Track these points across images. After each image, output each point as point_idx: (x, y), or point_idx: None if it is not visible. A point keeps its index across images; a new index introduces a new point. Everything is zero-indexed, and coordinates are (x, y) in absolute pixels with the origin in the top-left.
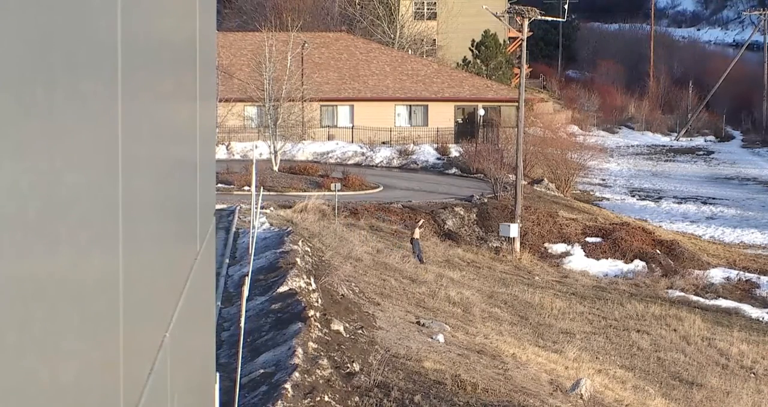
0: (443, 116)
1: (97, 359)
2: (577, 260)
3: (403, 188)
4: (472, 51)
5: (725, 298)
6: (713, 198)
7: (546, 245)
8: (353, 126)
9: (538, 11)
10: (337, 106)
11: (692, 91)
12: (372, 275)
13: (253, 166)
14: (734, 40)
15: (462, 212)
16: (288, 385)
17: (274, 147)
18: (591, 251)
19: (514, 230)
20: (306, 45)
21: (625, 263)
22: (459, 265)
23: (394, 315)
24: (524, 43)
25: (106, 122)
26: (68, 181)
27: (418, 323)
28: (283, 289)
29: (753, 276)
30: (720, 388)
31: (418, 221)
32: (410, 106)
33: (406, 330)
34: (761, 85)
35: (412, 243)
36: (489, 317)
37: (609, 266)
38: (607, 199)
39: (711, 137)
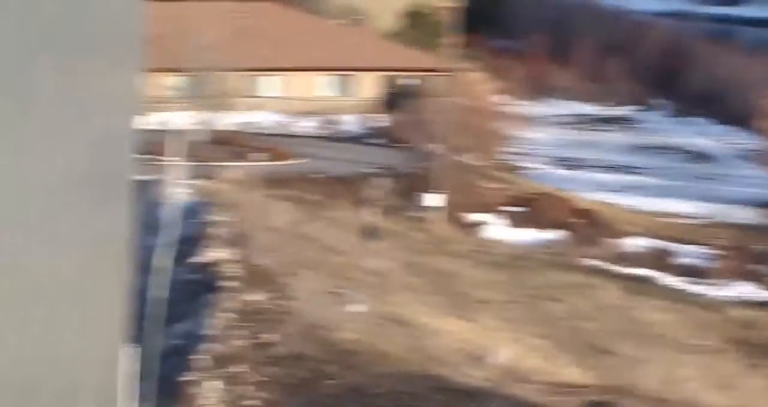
0: (370, 86)
1: (3, 331)
2: (497, 230)
3: (327, 158)
4: (401, 20)
5: (642, 267)
6: (636, 167)
7: (467, 215)
8: (279, 96)
9: None
10: (262, 75)
11: (620, 60)
12: (291, 246)
13: (176, 136)
14: (663, 9)
15: (385, 182)
16: (203, 356)
17: (198, 117)
18: (511, 221)
19: (435, 200)
20: (232, 13)
21: (545, 232)
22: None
23: (313, 286)
24: (454, 13)
25: (21, 92)
26: None
27: (336, 293)
28: (201, 260)
29: (670, 245)
30: (635, 357)
31: (373, 204)
32: (337, 76)
33: (324, 301)
34: (689, 54)
35: (368, 226)
36: (407, 287)
37: (528, 235)
38: (530, 169)
39: (637, 107)
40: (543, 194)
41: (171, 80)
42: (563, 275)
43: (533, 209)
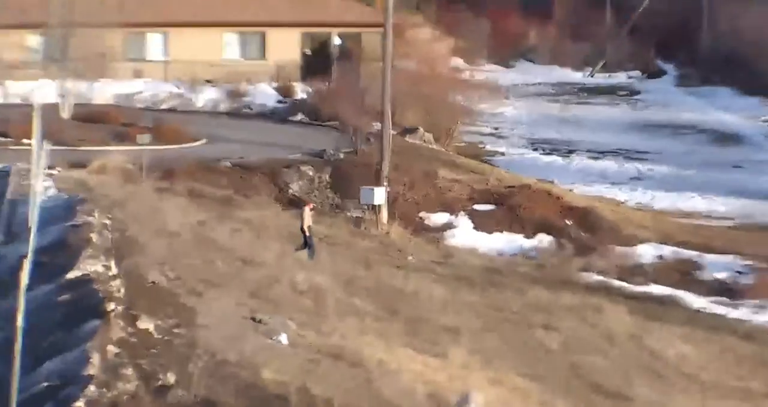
0: (286, 47)
1: None
2: (463, 235)
3: (234, 140)
4: None
5: (658, 283)
6: (640, 152)
7: (422, 214)
8: (168, 60)
9: None
10: (146, 33)
11: (611, 13)
12: (193, 256)
13: (36, 112)
14: None
15: (311, 173)
16: (81, 403)
17: (64, 87)
18: (481, 223)
19: (379, 195)
20: None
21: (526, 237)
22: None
23: (223, 309)
24: None
25: None
26: None
27: (254, 319)
28: (74, 275)
29: (693, 254)
30: (654, 403)
31: (308, 204)
32: (243, 33)
33: (239, 329)
34: (699, 6)
35: (303, 234)
36: (347, 310)
37: (505, 241)
38: (502, 154)
39: (636, 73)
40: (523, 187)
41: (28, 40)
42: (555, 295)
43: (510, 207)
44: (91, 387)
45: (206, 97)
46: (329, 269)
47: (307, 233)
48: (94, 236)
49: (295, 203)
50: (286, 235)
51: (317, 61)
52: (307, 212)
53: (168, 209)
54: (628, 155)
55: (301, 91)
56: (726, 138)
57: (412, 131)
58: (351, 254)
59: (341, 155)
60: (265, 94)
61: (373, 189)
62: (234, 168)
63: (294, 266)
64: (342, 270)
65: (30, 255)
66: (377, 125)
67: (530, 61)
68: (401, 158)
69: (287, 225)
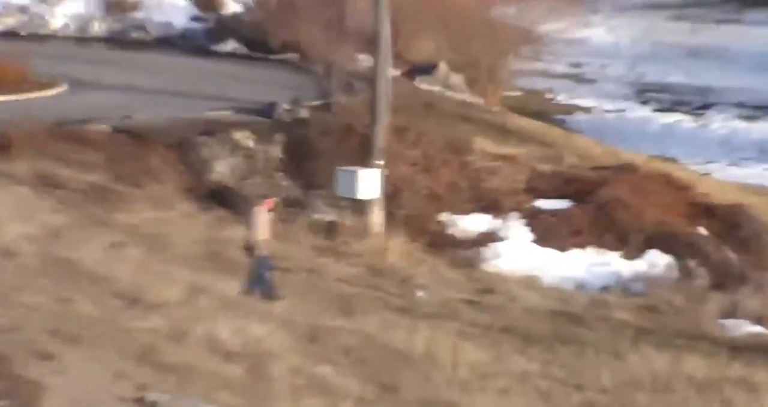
0: None
1: None
2: (516, 252)
3: (115, 86)
4: None
5: None
6: None
7: (444, 217)
8: None
9: None
10: None
11: None
12: (39, 291)
13: None
14: None
15: (250, 144)
16: None
17: None
18: (547, 232)
19: (369, 183)
20: None
21: (627, 257)
22: (239, 262)
23: (88, 382)
24: None
25: None
26: None
27: (142, 401)
28: None
29: None
30: None
31: (265, 202)
32: None
33: None
34: None
35: (251, 256)
36: (309, 387)
37: (588, 265)
38: (586, 110)
39: None
40: (622, 169)
41: None
42: (676, 361)
43: (600, 205)
44: None
45: (68, 12)
46: (279, 315)
47: (259, 254)
48: None
49: (222, 199)
50: (204, 255)
51: None
52: (262, 215)
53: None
54: None
55: (233, 0)
56: None
57: (427, 70)
58: (318, 288)
59: (303, 113)
60: (171, 7)
61: (357, 172)
62: (115, 136)
63: (215, 307)
64: (301, 315)
65: None
66: (366, 61)
67: None
68: (409, 119)
69: (207, 238)
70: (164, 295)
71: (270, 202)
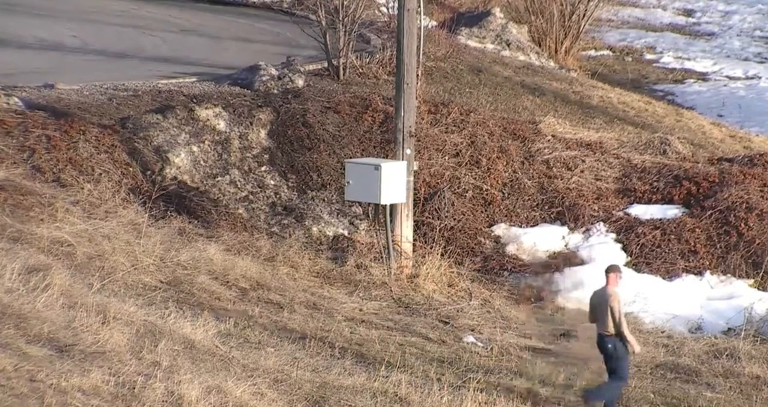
0: None
1: None
2: (603, 276)
3: (31, 43)
4: None
5: None
6: None
7: (501, 228)
8: None
9: None
10: None
11: None
12: None
13: None
14: None
15: (222, 126)
16: None
17: None
18: (649, 250)
19: (395, 181)
20: None
21: (761, 286)
22: (208, 293)
23: None
24: None
25: None
26: None
27: None
28: None
29: None
30: None
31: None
32: None
33: None
34: None
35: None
36: None
37: (706, 297)
38: (702, 76)
39: None
40: (754, 160)
41: None
42: None
43: (722, 212)
44: None
45: None
46: (269, 369)
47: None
48: None
49: (182, 204)
50: (159, 283)
51: None
52: (616, 298)
53: None
54: None
55: None
56: None
57: (476, 19)
58: (323, 331)
59: (298, 81)
60: None
61: (378, 167)
62: (31, 114)
63: (179, 359)
64: (302, 372)
65: None
66: (387, 4)
67: None
68: (450, 89)
69: (163, 258)
70: (106, 341)
71: (616, 275)
